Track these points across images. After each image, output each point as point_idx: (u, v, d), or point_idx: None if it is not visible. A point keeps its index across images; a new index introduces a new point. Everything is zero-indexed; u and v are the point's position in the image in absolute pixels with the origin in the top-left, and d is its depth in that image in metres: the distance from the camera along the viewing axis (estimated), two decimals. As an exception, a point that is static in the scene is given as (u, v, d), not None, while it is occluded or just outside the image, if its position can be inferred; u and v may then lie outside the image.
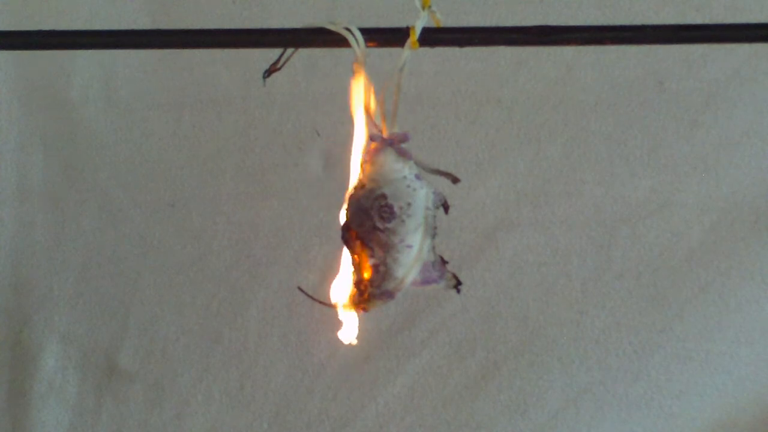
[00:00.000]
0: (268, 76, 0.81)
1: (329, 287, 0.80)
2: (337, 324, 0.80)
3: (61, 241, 1.38)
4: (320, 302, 0.81)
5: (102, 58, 1.34)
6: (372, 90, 0.78)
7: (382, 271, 0.77)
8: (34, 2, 1.33)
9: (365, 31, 0.78)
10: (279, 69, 0.81)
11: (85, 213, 1.37)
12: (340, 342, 0.81)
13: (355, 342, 0.80)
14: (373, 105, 0.78)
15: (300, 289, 0.85)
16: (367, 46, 0.78)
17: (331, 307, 0.80)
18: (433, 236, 0.78)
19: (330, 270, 1.32)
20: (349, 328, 0.80)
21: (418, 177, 0.78)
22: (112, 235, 1.37)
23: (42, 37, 0.82)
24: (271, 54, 0.80)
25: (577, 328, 1.34)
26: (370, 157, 0.78)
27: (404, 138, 0.78)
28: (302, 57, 0.81)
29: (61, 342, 1.40)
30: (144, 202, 1.36)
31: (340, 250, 0.79)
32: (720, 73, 1.29)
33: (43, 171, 1.37)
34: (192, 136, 1.35)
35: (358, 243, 0.77)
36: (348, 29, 0.78)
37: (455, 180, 0.79)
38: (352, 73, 0.78)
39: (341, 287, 0.80)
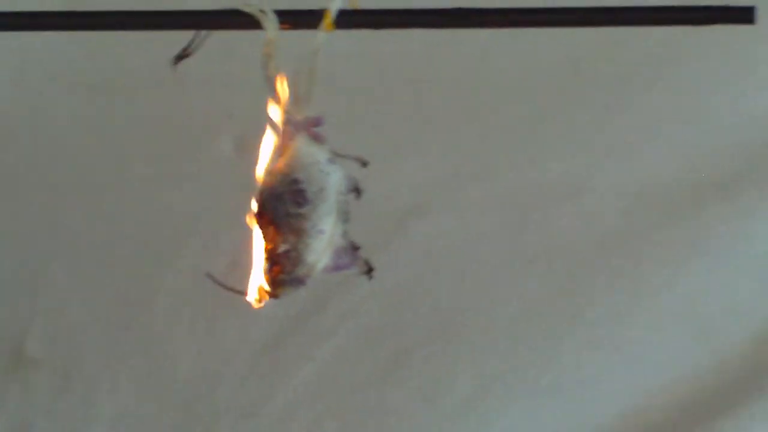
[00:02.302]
0: (179, 61, 0.79)
1: (239, 273, 0.79)
2: (247, 311, 0.79)
3: (-35, 224, 1.37)
4: (229, 289, 0.80)
5: (10, 40, 1.31)
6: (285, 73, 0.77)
7: (293, 257, 0.75)
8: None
9: (280, 13, 0.76)
10: (190, 54, 0.80)
11: (-10, 196, 1.36)
12: (249, 329, 0.79)
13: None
14: (285, 89, 0.77)
15: (209, 275, 0.84)
16: (281, 29, 0.76)
17: (241, 293, 0.78)
18: (346, 221, 0.76)
19: (240, 256, 1.32)
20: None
21: (331, 161, 0.76)
22: (20, 219, 1.35)
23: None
24: (186, 36, 0.79)
25: (487, 314, 1.34)
26: (284, 141, 0.76)
27: (318, 122, 0.77)
28: (217, 40, 0.79)
29: (-35, 329, 1.38)
30: (53, 185, 1.35)
31: (251, 236, 0.77)
32: (635, 57, 1.29)
33: (-53, 153, 1.36)
34: (103, 119, 1.34)
35: (270, 228, 0.76)
36: (262, 11, 0.76)
37: (364, 163, 0.78)
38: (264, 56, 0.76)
39: (252, 274, 0.78)
